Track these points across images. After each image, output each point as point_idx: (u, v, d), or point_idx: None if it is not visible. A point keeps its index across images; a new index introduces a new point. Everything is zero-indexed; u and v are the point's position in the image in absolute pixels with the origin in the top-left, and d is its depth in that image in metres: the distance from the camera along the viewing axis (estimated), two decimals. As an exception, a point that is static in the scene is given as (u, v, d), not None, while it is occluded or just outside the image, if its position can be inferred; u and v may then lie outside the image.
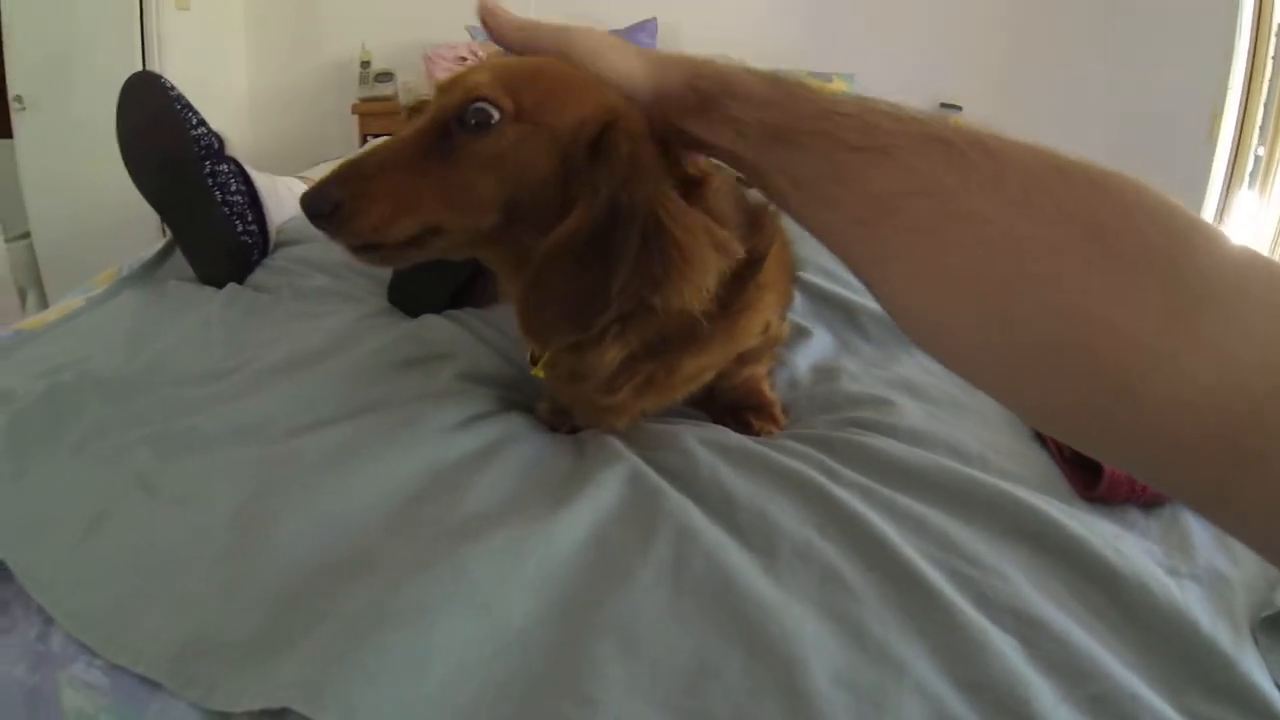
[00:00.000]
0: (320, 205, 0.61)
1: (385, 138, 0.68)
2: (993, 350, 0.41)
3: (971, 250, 0.40)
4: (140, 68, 2.62)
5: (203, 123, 1.26)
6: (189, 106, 1.25)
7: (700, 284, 0.62)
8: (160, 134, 1.22)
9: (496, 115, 0.62)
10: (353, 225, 0.62)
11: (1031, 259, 0.38)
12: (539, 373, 0.80)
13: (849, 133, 0.47)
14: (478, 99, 0.62)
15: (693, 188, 0.67)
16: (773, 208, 0.86)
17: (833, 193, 0.48)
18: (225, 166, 1.28)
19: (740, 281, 0.72)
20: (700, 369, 0.81)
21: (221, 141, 1.29)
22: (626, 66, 0.61)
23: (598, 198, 0.61)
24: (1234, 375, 0.33)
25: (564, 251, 0.62)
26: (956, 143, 0.43)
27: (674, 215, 0.61)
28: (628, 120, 0.62)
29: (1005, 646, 0.57)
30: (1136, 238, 0.37)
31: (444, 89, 0.67)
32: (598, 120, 0.62)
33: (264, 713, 0.49)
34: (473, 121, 0.62)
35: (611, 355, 0.72)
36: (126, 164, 1.26)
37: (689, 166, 0.67)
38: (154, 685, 0.52)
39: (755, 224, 0.76)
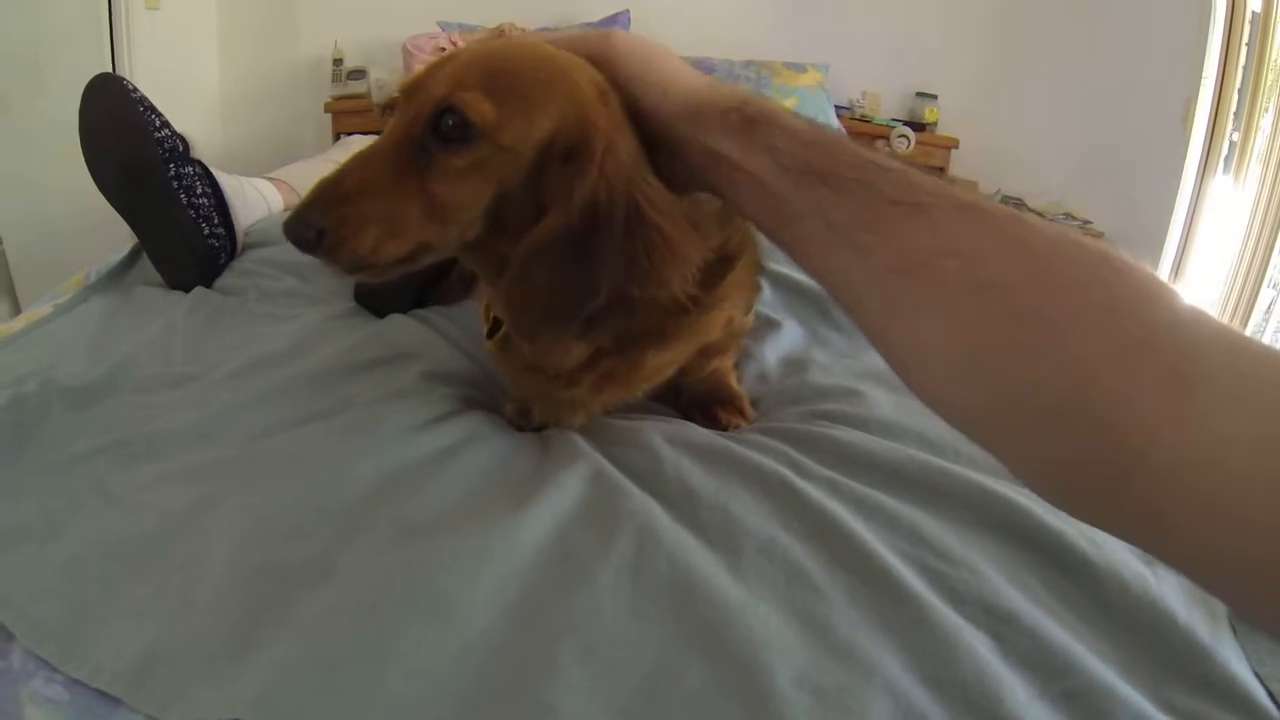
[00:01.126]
0: (304, 233, 0.59)
1: (360, 143, 0.65)
2: (1002, 415, 0.43)
3: (996, 318, 0.42)
4: (109, 68, 2.60)
5: (166, 124, 1.24)
6: (152, 109, 1.23)
7: (686, 268, 0.63)
8: (122, 137, 1.20)
9: (473, 125, 0.60)
10: (341, 252, 0.60)
11: (1050, 332, 0.40)
12: (492, 347, 0.79)
13: (888, 185, 0.49)
14: (450, 106, 0.60)
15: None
16: None
17: (865, 240, 0.49)
18: (190, 169, 1.27)
19: (712, 280, 0.72)
20: (662, 365, 0.80)
21: (186, 144, 1.28)
22: (672, 71, 0.62)
23: (571, 201, 0.60)
24: (1223, 452, 0.35)
25: (543, 252, 0.61)
26: (991, 214, 0.45)
27: (654, 203, 0.61)
28: (602, 118, 0.61)
29: (976, 643, 0.56)
30: (1147, 318, 0.39)
31: (410, 92, 0.64)
32: (574, 125, 0.61)
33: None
34: (449, 128, 0.60)
35: (578, 350, 0.72)
36: (90, 168, 1.23)
37: None
38: (114, 699, 0.52)
39: (725, 220, 0.76)
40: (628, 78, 0.64)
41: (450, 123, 0.60)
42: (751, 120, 0.56)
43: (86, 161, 1.23)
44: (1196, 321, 0.39)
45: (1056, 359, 0.40)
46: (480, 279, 0.76)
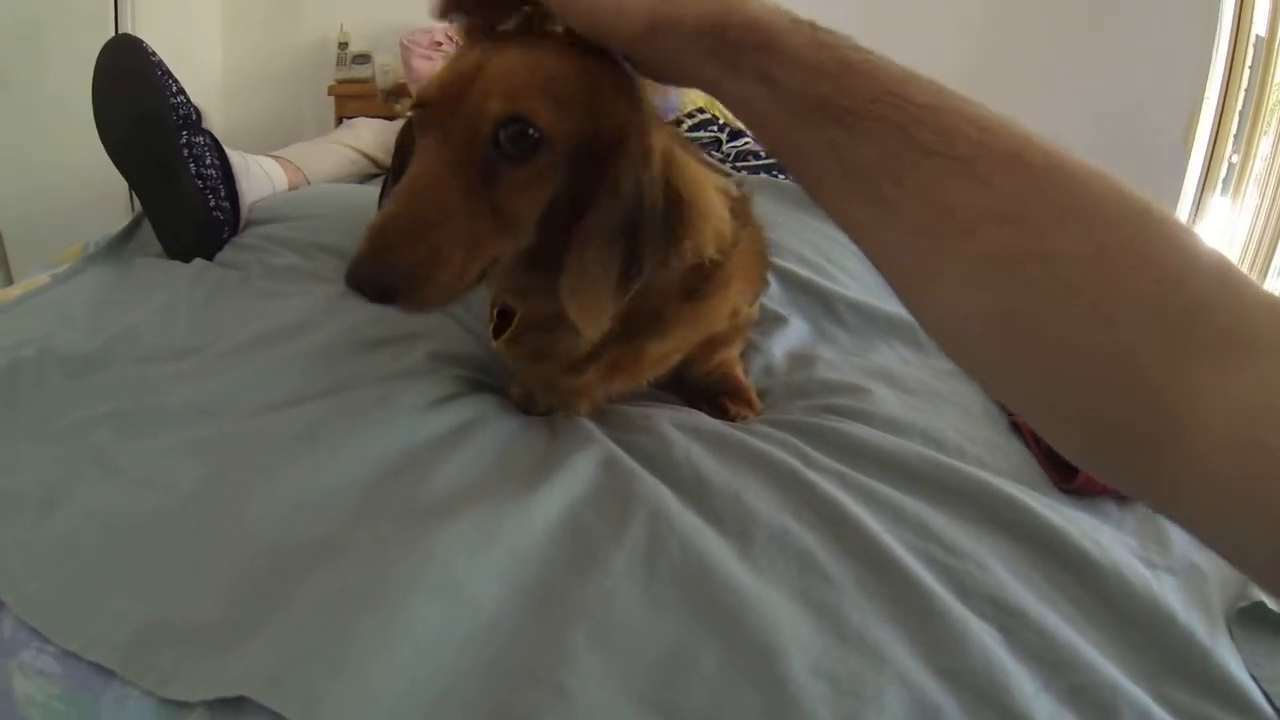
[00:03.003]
0: (388, 280, 0.55)
1: (368, 124, 0.63)
2: (1044, 382, 0.40)
3: (1047, 291, 0.39)
4: (112, 44, 2.57)
5: (182, 91, 1.23)
6: (169, 74, 1.22)
7: (714, 229, 0.64)
8: (138, 98, 1.19)
9: (540, 134, 0.58)
10: (428, 290, 0.56)
11: (1105, 306, 0.37)
12: (501, 346, 0.78)
13: (924, 131, 0.42)
14: (514, 117, 0.58)
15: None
16: (744, 190, 0.86)
17: (889, 192, 0.43)
18: (201, 139, 1.26)
19: (707, 268, 0.72)
20: (665, 353, 0.80)
21: (199, 114, 1.26)
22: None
23: (620, 188, 0.60)
24: (1258, 429, 0.33)
25: (596, 237, 0.61)
26: (1040, 168, 0.40)
27: (684, 175, 0.62)
28: (635, 113, 0.62)
29: (985, 635, 0.56)
30: (1194, 287, 0.37)
31: (449, 106, 0.60)
32: (614, 124, 0.61)
33: (221, 701, 0.47)
34: (510, 142, 0.58)
35: (583, 339, 0.71)
36: (100, 128, 1.22)
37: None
38: (109, 673, 0.51)
39: (732, 211, 0.76)
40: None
41: (514, 133, 0.58)
42: (736, 46, 0.48)
43: (98, 121, 1.22)
44: (1246, 288, 0.37)
45: (1109, 334, 0.37)
46: (500, 283, 0.74)
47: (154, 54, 1.21)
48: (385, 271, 0.54)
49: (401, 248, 0.55)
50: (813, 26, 0.47)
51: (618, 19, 0.51)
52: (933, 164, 0.42)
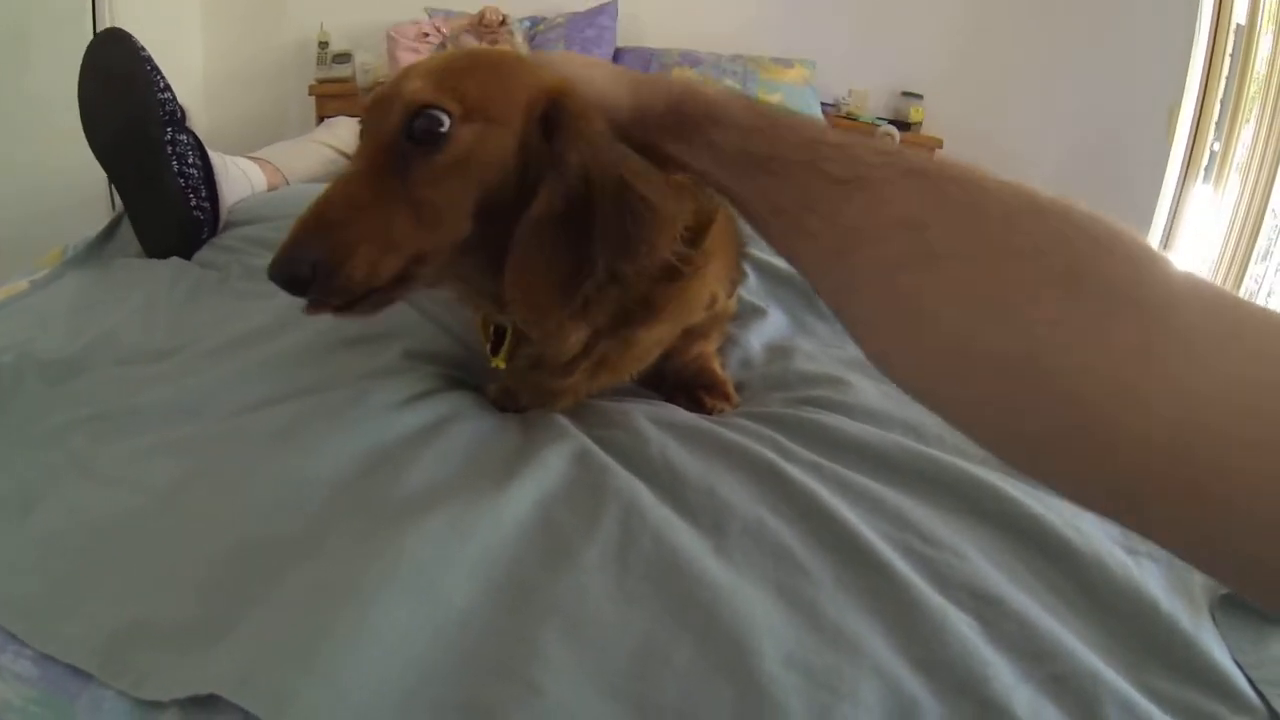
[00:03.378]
0: (299, 270, 0.57)
1: (348, 122, 0.65)
2: (957, 387, 0.41)
3: (945, 289, 0.40)
4: (92, 44, 2.56)
5: (168, 88, 1.23)
6: (157, 69, 1.22)
7: (672, 230, 0.63)
8: (126, 92, 1.19)
9: (446, 121, 0.60)
10: (338, 281, 0.58)
11: (1004, 302, 0.38)
12: (499, 363, 0.78)
13: (832, 164, 0.47)
14: (421, 108, 0.60)
15: None
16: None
17: (809, 223, 0.48)
18: (185, 137, 1.26)
19: (694, 242, 0.72)
20: (652, 343, 0.80)
21: (184, 112, 1.27)
22: (604, 83, 0.62)
23: (567, 170, 0.60)
24: (1197, 412, 0.33)
25: (541, 229, 0.61)
26: (932, 174, 0.43)
27: (638, 174, 0.61)
28: (572, 99, 0.62)
29: (963, 626, 0.56)
30: (1107, 276, 0.37)
31: (374, 108, 0.63)
32: (544, 98, 0.62)
33: (193, 701, 0.47)
34: (423, 133, 0.60)
35: (576, 337, 0.72)
36: (86, 124, 1.22)
37: None
38: (85, 675, 0.51)
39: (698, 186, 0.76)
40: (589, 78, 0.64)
41: (423, 125, 0.60)
42: (687, 120, 0.56)
43: (84, 116, 1.22)
44: (1163, 273, 0.37)
45: (1017, 329, 0.38)
46: (470, 294, 0.75)
47: (143, 49, 1.22)
48: (297, 263, 0.57)
49: (309, 241, 0.57)
50: (750, 99, 0.56)
51: (608, 99, 0.62)
52: (837, 190, 0.46)
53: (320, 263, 0.56)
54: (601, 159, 0.60)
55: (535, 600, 0.55)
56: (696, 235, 0.72)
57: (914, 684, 0.52)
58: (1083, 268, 0.37)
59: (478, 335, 0.85)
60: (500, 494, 0.63)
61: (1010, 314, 0.38)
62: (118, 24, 2.62)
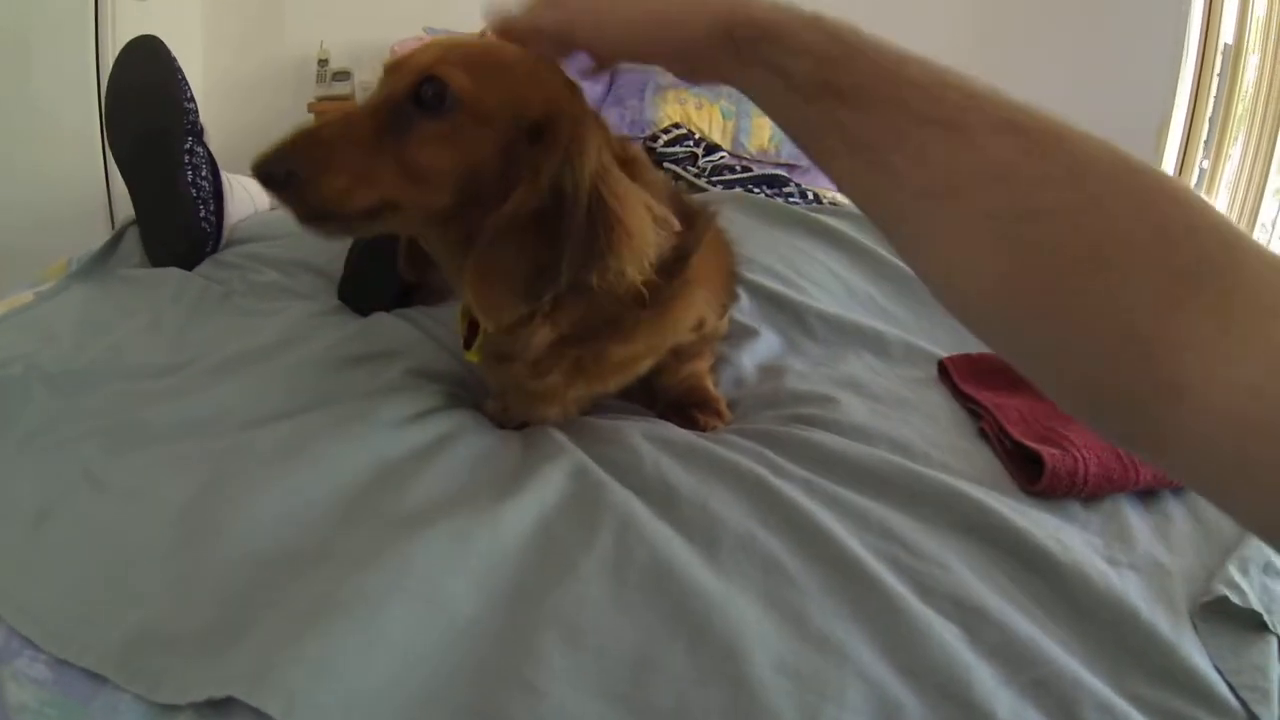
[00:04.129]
0: (275, 169, 0.62)
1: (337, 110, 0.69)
2: (1047, 339, 0.41)
3: (1045, 246, 0.40)
4: (94, 58, 2.57)
5: (194, 99, 1.26)
6: (186, 80, 1.26)
7: (641, 255, 0.66)
8: (155, 99, 1.23)
9: (450, 94, 0.64)
10: (308, 193, 0.63)
11: (1104, 261, 0.38)
12: (473, 356, 0.81)
13: (917, 100, 0.46)
14: (431, 76, 0.64)
15: (626, 167, 0.71)
16: (710, 209, 0.87)
17: (893, 162, 0.46)
18: (202, 150, 1.29)
19: (667, 275, 0.74)
20: (629, 358, 0.82)
21: (203, 128, 1.29)
22: (620, 27, 0.57)
23: (539, 179, 0.64)
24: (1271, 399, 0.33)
25: (510, 228, 0.65)
26: (1032, 132, 0.43)
27: (615, 191, 0.65)
28: (571, 106, 0.66)
29: (946, 633, 0.58)
30: (1197, 247, 0.37)
31: (392, 69, 0.68)
32: (542, 107, 0.66)
33: (208, 705, 0.49)
34: (429, 97, 0.64)
35: (541, 336, 0.74)
36: (109, 122, 1.25)
37: (623, 150, 0.72)
38: (99, 679, 0.52)
39: (687, 222, 0.78)
40: (580, 11, 0.58)
41: (430, 91, 0.64)
42: (744, 42, 0.52)
43: (108, 115, 1.25)
44: (1254, 250, 0.37)
45: (1109, 291, 0.38)
46: (443, 265, 0.78)
47: (174, 59, 1.25)
48: (276, 163, 0.62)
49: (298, 150, 0.63)
50: (817, 18, 0.50)
51: (645, 29, 0.56)
52: (929, 131, 0.45)
53: (296, 172, 0.62)
54: (579, 173, 0.64)
55: (535, 609, 0.56)
56: (674, 266, 0.75)
57: (899, 688, 0.54)
58: (1171, 237, 0.38)
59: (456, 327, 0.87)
60: (501, 508, 0.65)
61: (1108, 274, 0.38)
62: (119, 38, 2.65)
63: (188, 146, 1.25)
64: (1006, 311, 0.43)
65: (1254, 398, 0.33)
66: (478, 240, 0.66)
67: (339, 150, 0.63)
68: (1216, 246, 0.37)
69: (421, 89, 0.64)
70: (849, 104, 0.48)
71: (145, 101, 1.23)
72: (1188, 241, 0.37)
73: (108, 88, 1.26)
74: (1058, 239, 0.40)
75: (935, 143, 0.44)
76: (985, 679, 0.55)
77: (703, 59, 0.55)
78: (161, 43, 1.28)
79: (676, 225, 0.70)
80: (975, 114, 0.44)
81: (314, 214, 0.64)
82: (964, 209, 0.43)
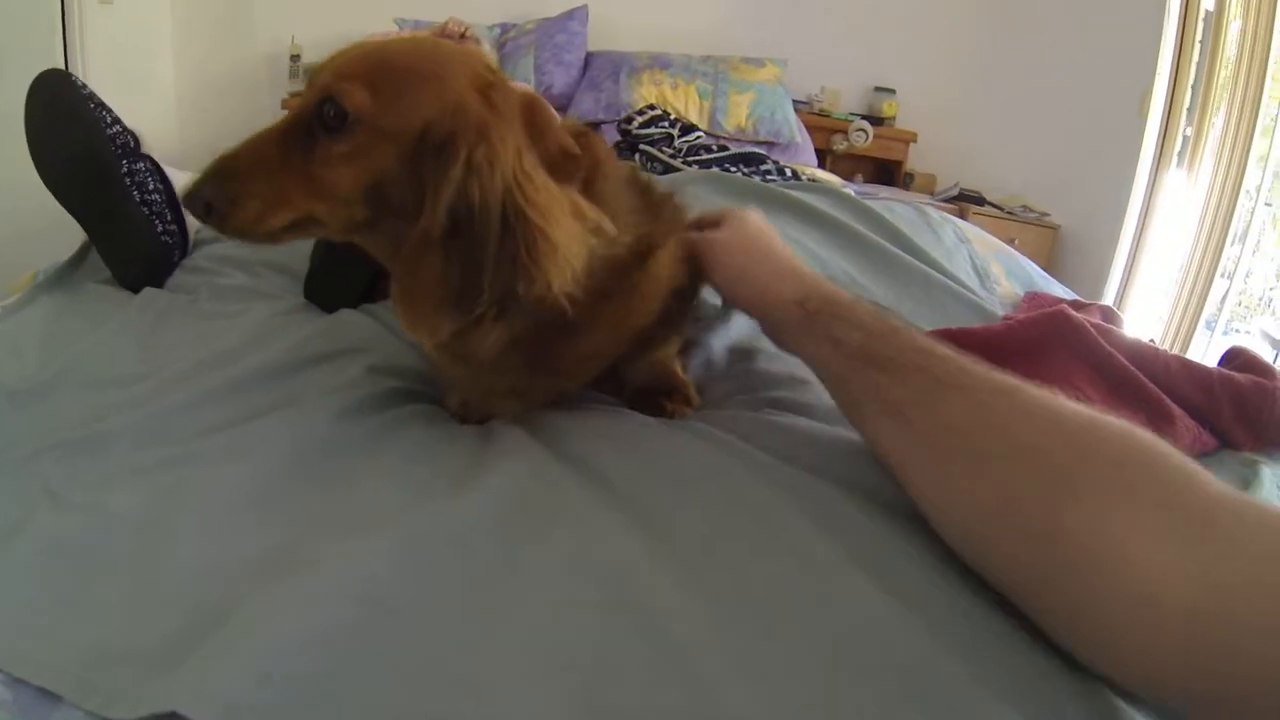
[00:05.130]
0: (194, 206, 0.66)
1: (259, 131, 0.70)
2: (1023, 566, 0.51)
3: (1027, 477, 0.51)
4: (62, 64, 2.56)
5: (117, 121, 1.23)
6: (102, 105, 1.21)
7: (565, 266, 0.65)
8: (73, 134, 1.18)
9: (349, 114, 0.65)
10: (226, 223, 0.66)
11: (1077, 490, 0.47)
12: (431, 352, 0.80)
13: (940, 369, 0.59)
14: (330, 96, 0.65)
15: (569, 162, 0.72)
16: (678, 199, 0.87)
17: (913, 414, 0.59)
18: (142, 165, 1.26)
19: (626, 268, 0.74)
20: (589, 353, 0.81)
21: (136, 139, 1.26)
22: (743, 295, 0.81)
23: (440, 196, 0.64)
24: (1221, 601, 0.41)
25: (423, 246, 0.65)
26: (1025, 393, 0.55)
27: (534, 201, 0.64)
28: (478, 113, 0.66)
29: (909, 629, 0.55)
30: (1153, 475, 0.46)
31: (311, 78, 0.71)
32: (447, 119, 0.66)
33: (155, 718, 0.48)
34: (329, 116, 0.65)
35: (493, 338, 0.73)
36: (39, 168, 1.21)
37: (570, 143, 0.73)
38: (55, 697, 0.52)
39: (654, 213, 0.77)
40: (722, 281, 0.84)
41: (330, 111, 0.65)
42: (813, 315, 0.70)
43: (35, 160, 1.21)
44: (1205, 485, 0.45)
45: (1081, 515, 0.46)
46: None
47: (84, 87, 1.21)
48: (195, 200, 0.66)
49: (209, 186, 0.66)
50: (865, 301, 0.71)
51: (751, 295, 0.79)
52: (943, 391, 0.58)
53: (212, 205, 0.66)
54: (487, 186, 0.64)
55: (489, 610, 0.55)
56: (636, 261, 0.75)
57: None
58: (1140, 473, 0.47)
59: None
60: (456, 506, 0.64)
61: (1080, 502, 0.47)
62: (87, 41, 2.63)
63: (125, 170, 1.22)
64: (996, 541, 0.53)
65: (1228, 596, 0.41)
66: (399, 258, 0.67)
67: (249, 177, 0.66)
68: (1182, 481, 0.46)
69: (323, 108, 0.65)
70: (885, 370, 0.62)
71: (65, 140, 1.19)
72: (1156, 479, 0.46)
73: (26, 133, 1.21)
74: (1038, 470, 0.50)
75: (945, 399, 0.57)
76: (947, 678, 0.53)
77: (782, 325, 0.75)
78: (66, 75, 1.25)
79: (612, 231, 0.70)
80: (982, 381, 0.58)
81: (236, 237, 0.68)
82: (961, 450, 0.55)
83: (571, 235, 0.66)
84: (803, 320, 0.71)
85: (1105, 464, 0.48)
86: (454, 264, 0.65)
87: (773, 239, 0.83)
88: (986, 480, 0.53)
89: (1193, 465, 0.47)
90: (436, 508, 0.64)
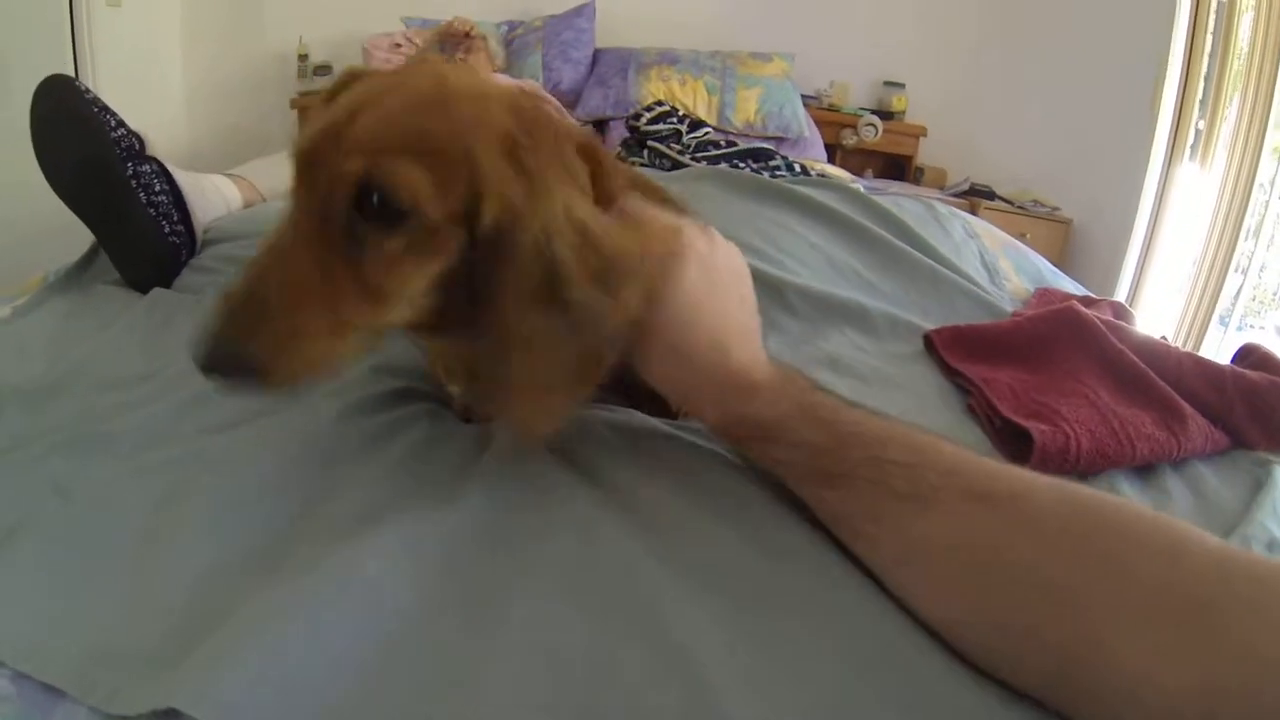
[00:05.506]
0: (223, 366, 0.50)
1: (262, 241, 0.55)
2: (1020, 669, 0.49)
3: (1010, 593, 0.48)
4: (72, 68, 2.57)
5: (121, 124, 1.23)
6: (106, 109, 1.22)
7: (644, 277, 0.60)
8: (78, 138, 1.19)
9: (407, 201, 0.52)
10: (276, 378, 0.51)
11: (1066, 601, 0.46)
12: (454, 388, 0.78)
13: (897, 480, 0.54)
14: (374, 181, 0.52)
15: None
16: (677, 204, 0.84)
17: (870, 532, 0.56)
18: (148, 167, 1.26)
19: None
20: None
21: (142, 141, 1.27)
22: (694, 400, 0.67)
23: (517, 286, 0.55)
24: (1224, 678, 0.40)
25: (528, 342, 0.56)
26: (997, 496, 0.51)
27: (602, 243, 0.57)
28: (530, 159, 0.55)
29: (916, 633, 0.54)
30: (1142, 571, 0.45)
31: (310, 161, 0.54)
32: (492, 199, 0.54)
33: (155, 715, 0.49)
34: (375, 206, 0.52)
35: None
36: (45, 171, 1.21)
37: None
38: (58, 692, 0.52)
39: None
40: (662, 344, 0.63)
41: (376, 199, 0.52)
42: (744, 440, 0.64)
43: (41, 165, 1.21)
44: (1195, 554, 0.45)
45: (1072, 626, 0.45)
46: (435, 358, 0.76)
47: (87, 91, 1.21)
48: (230, 362, 0.50)
49: (245, 332, 0.50)
50: (813, 408, 0.61)
51: (672, 396, 0.72)
52: (902, 506, 0.53)
53: (249, 362, 0.50)
54: (562, 241, 0.55)
55: (485, 612, 0.55)
56: None
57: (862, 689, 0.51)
58: (1116, 564, 0.45)
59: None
60: (454, 506, 0.63)
61: (1070, 611, 0.46)
62: (96, 43, 2.65)
63: (130, 172, 1.22)
64: (988, 648, 0.50)
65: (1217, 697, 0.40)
66: (497, 345, 0.57)
67: (288, 311, 0.51)
68: (1165, 566, 0.44)
69: (366, 197, 0.52)
70: (834, 487, 0.58)
71: (70, 145, 1.19)
72: (1134, 568, 0.45)
73: (33, 141, 1.20)
74: (1025, 585, 0.48)
75: (904, 515, 0.53)
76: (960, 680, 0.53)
77: (730, 430, 0.66)
78: (69, 79, 1.24)
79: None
80: (947, 489, 0.52)
81: (292, 388, 0.53)
82: (932, 573, 0.52)
83: (637, 254, 0.59)
84: (735, 441, 0.66)
85: (1089, 567, 0.46)
86: (566, 346, 0.56)
87: (729, 293, 0.66)
88: (972, 599, 0.50)
89: (1178, 531, 0.46)
90: (436, 508, 0.63)
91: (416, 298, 0.56)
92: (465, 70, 0.62)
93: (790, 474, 0.61)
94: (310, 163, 0.54)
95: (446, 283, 0.57)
